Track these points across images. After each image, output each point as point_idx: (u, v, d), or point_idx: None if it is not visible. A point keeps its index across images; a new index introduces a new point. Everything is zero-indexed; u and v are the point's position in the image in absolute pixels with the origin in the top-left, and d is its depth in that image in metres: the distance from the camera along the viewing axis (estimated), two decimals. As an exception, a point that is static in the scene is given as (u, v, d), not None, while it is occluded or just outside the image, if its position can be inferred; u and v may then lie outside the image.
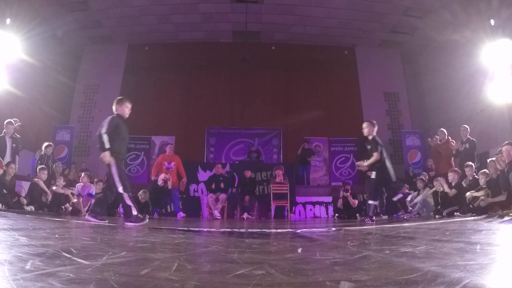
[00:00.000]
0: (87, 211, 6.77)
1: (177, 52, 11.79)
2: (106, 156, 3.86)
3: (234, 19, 10.71)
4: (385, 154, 4.96)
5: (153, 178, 7.39)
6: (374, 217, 4.93)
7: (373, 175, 4.91)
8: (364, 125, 5.06)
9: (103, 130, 3.93)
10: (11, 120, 6.58)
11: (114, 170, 3.91)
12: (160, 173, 7.16)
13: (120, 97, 4.40)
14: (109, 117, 4.10)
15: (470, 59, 8.05)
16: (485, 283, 0.88)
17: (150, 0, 9.64)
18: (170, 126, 11.17)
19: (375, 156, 4.82)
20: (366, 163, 4.95)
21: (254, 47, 11.10)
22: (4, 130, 6.49)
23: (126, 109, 4.23)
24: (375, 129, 5.01)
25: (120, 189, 3.90)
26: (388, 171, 4.94)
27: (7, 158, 6.33)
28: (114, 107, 4.21)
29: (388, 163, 4.95)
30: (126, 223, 3.83)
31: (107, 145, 3.88)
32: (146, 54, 11.79)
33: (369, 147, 4.98)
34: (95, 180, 7.38)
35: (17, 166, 6.82)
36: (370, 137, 4.99)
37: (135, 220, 3.85)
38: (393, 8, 9.72)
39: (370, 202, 4.98)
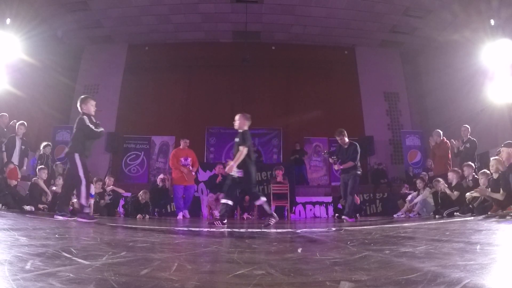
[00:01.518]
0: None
1: (177, 52, 11.80)
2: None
3: (234, 19, 10.71)
4: (251, 156, 4.52)
5: (173, 174, 7.21)
6: (226, 219, 4.36)
7: (236, 173, 4.41)
8: (236, 117, 4.60)
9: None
10: (23, 122, 6.63)
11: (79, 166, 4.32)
12: (177, 169, 7.06)
13: (84, 95, 4.72)
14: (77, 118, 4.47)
15: (470, 59, 8.05)
16: (485, 283, 0.88)
17: (150, 0, 9.64)
18: (170, 126, 11.17)
19: (241, 151, 4.35)
20: (233, 161, 4.45)
21: (254, 47, 11.10)
22: (16, 131, 6.55)
23: (91, 107, 4.55)
24: (248, 123, 4.58)
25: (83, 183, 4.24)
26: (250, 173, 4.46)
27: (15, 159, 6.35)
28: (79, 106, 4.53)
29: (252, 166, 4.48)
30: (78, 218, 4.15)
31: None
32: (146, 54, 11.80)
33: (237, 139, 4.51)
34: (94, 179, 7.37)
35: (25, 168, 6.90)
36: (240, 130, 4.52)
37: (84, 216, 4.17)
38: (393, 8, 9.72)
39: (224, 201, 4.40)
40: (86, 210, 4.29)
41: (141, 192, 6.69)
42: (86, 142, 4.50)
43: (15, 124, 6.58)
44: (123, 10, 10.07)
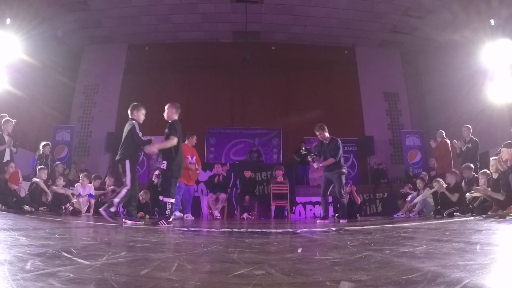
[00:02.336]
0: (86, 211, 6.81)
1: (177, 52, 11.80)
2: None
3: (234, 19, 10.71)
4: (179, 149, 4.35)
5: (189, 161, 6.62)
6: (171, 219, 4.20)
7: (163, 165, 4.24)
8: (166, 107, 4.47)
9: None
10: (9, 118, 6.48)
11: None
12: (185, 168, 6.78)
13: (136, 103, 4.72)
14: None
15: (470, 59, 8.05)
16: (485, 283, 0.88)
17: (150, 0, 9.64)
18: (170, 126, 11.16)
19: (171, 140, 4.18)
20: (158, 145, 4.36)
21: (254, 47, 11.11)
22: (2, 128, 6.43)
23: (142, 116, 4.61)
24: (176, 112, 4.47)
25: (127, 187, 4.29)
26: (171, 166, 4.23)
27: (7, 157, 6.32)
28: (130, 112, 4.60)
29: (175, 161, 4.26)
30: None
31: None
32: (146, 54, 11.80)
33: (166, 130, 4.32)
34: (92, 176, 7.36)
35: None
36: (169, 121, 4.36)
37: None
38: (393, 8, 9.72)
39: (166, 199, 4.17)
40: (113, 210, 4.33)
41: (141, 192, 6.68)
42: (135, 149, 4.53)
43: (1, 120, 6.40)
44: (123, 10, 10.07)
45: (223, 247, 1.92)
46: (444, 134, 7.71)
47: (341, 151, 5.70)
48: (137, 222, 4.16)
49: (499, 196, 4.97)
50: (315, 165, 6.12)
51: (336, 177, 5.66)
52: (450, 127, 8.33)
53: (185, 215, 6.65)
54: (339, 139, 5.80)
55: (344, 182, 5.82)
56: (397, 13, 9.92)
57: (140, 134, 4.45)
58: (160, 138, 4.42)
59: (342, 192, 5.71)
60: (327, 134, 5.79)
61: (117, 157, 4.53)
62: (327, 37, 11.57)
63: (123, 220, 4.28)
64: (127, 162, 4.36)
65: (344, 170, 5.80)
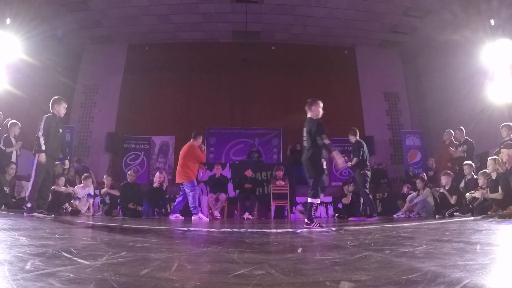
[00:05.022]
0: (86, 211, 6.82)
1: (177, 52, 11.79)
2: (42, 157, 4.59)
3: (234, 19, 10.71)
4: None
5: (193, 169, 6.44)
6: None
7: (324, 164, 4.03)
8: (311, 104, 4.20)
9: (40, 133, 4.65)
10: (16, 121, 6.56)
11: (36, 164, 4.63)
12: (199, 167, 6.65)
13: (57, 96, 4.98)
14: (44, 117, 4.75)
15: (470, 59, 8.04)
16: (485, 283, 0.88)
17: (150, 0, 9.64)
18: (170, 126, 11.17)
19: (322, 140, 3.90)
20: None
21: (254, 47, 11.11)
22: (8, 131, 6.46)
23: (63, 109, 4.91)
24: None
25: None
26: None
27: (13, 159, 6.34)
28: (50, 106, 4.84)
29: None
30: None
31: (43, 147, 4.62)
32: (146, 54, 11.80)
33: (313, 129, 3.99)
34: (83, 176, 7.31)
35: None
36: (315, 118, 4.13)
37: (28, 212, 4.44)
38: (393, 8, 9.72)
39: (313, 200, 3.95)
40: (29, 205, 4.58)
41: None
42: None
43: (8, 123, 6.45)
44: (123, 10, 10.07)
45: (223, 247, 1.92)
46: (452, 134, 7.39)
47: (361, 151, 6.35)
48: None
49: (497, 196, 4.98)
50: (349, 164, 6.61)
51: (357, 176, 6.45)
52: (450, 127, 8.30)
53: (175, 215, 6.41)
54: (360, 141, 6.55)
55: (364, 181, 6.34)
56: (397, 13, 9.92)
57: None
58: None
59: (363, 189, 6.30)
60: (352, 138, 6.61)
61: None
62: (327, 37, 11.57)
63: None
64: None
65: (363, 171, 6.34)
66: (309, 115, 4.18)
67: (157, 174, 7.57)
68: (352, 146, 6.61)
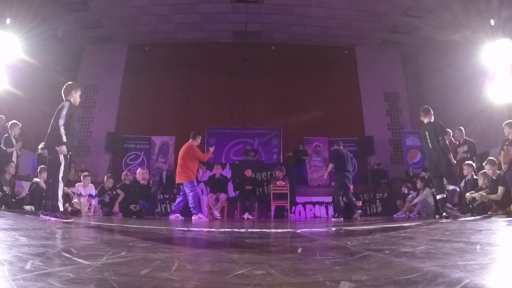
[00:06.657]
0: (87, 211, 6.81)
1: (177, 52, 11.80)
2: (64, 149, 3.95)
3: (234, 19, 10.71)
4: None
5: (193, 169, 6.39)
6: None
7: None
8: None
9: (61, 121, 3.98)
10: (16, 121, 6.56)
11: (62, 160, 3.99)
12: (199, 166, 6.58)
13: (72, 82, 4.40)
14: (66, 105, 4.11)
15: (470, 59, 8.05)
16: (485, 283, 0.88)
17: (150, 0, 9.64)
18: (170, 126, 11.18)
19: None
20: None
21: (254, 47, 11.11)
22: (9, 131, 6.46)
23: (78, 97, 4.37)
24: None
25: (60, 178, 3.99)
26: None
27: (13, 159, 6.35)
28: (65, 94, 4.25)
29: None
30: (47, 217, 3.83)
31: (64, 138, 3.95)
32: (146, 54, 11.80)
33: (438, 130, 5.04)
34: (83, 175, 7.28)
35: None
36: None
37: (60, 216, 3.86)
38: (393, 8, 9.72)
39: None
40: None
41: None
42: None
43: (9, 124, 6.46)
44: (123, 10, 10.07)
45: (223, 247, 1.92)
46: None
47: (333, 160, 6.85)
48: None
49: (496, 197, 4.99)
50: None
51: None
52: (450, 127, 8.29)
53: (175, 215, 6.39)
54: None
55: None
56: (397, 13, 9.92)
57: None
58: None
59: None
60: None
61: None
62: (327, 37, 11.57)
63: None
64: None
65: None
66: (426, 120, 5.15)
67: (139, 170, 7.44)
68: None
